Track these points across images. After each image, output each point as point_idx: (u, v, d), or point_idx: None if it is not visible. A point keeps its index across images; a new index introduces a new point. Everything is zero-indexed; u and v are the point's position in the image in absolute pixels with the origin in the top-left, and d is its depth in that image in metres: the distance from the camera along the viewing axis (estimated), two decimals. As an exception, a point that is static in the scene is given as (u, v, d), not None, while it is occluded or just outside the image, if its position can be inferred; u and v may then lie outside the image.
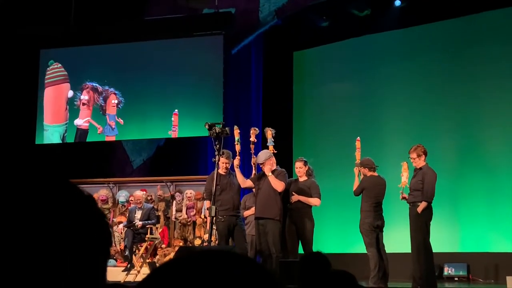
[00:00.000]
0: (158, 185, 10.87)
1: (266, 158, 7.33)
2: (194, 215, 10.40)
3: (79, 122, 11.65)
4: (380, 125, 11.02)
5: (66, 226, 0.74)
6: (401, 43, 11.09)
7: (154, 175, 11.38)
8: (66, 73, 11.85)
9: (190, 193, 10.47)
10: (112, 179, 11.38)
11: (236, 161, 7.51)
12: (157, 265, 8.84)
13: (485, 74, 10.19)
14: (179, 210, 10.53)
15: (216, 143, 6.93)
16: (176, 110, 11.12)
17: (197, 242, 10.11)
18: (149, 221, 9.48)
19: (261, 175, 7.46)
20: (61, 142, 11.68)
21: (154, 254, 9.94)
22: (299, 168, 7.73)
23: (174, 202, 10.60)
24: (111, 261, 9.68)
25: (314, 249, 7.23)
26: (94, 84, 11.68)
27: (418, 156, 7.30)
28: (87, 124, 11.61)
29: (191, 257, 0.72)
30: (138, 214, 9.51)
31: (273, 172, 7.32)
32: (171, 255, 9.64)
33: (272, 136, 7.90)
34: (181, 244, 10.12)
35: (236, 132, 7.77)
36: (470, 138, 10.24)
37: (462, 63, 10.48)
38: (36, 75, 11.89)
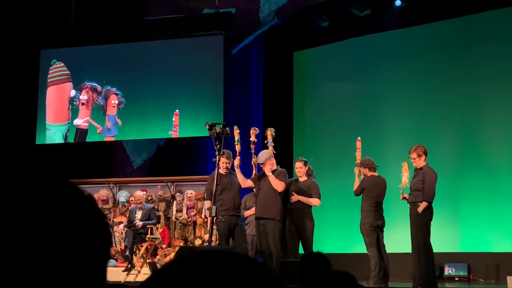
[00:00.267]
0: (159, 185, 10.87)
1: (266, 158, 7.34)
2: (195, 215, 10.41)
3: (79, 122, 11.66)
4: (380, 125, 11.02)
5: (66, 226, 0.74)
6: (401, 43, 11.10)
7: (155, 175, 11.39)
8: (68, 72, 11.85)
9: (191, 193, 10.47)
10: (113, 179, 11.38)
11: (237, 161, 7.51)
12: (158, 265, 8.88)
13: (485, 74, 10.19)
14: (179, 210, 10.53)
15: (217, 143, 6.94)
16: (177, 110, 11.12)
17: (198, 242, 10.11)
18: (150, 221, 9.48)
19: (262, 175, 7.46)
20: (63, 141, 11.68)
21: (154, 254, 9.94)
22: (299, 168, 7.73)
23: (175, 202, 10.61)
24: (112, 261, 9.69)
25: (314, 249, 7.24)
26: (93, 84, 11.69)
27: (419, 156, 7.30)
28: (87, 124, 11.62)
29: (192, 257, 0.73)
30: (139, 214, 9.51)
31: (273, 172, 7.32)
32: (172, 255, 9.64)
33: (272, 136, 7.90)
34: (181, 244, 10.12)
35: (236, 132, 7.78)
36: (470, 138, 10.24)
37: (462, 63, 10.49)
38: (37, 75, 11.90)
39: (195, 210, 10.42)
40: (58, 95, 11.87)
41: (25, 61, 11.85)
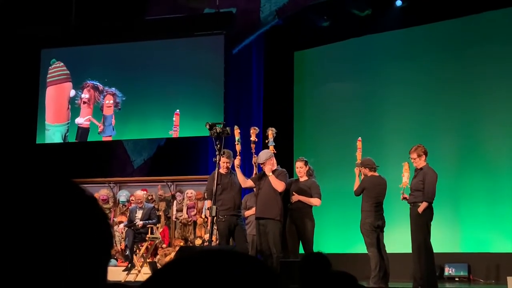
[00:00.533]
0: (159, 185, 10.87)
1: (266, 158, 7.33)
2: (195, 215, 10.41)
3: (80, 120, 11.65)
4: (380, 125, 11.02)
5: (67, 226, 0.74)
6: (402, 43, 11.09)
7: (155, 174, 11.39)
8: (68, 72, 11.84)
9: (191, 193, 10.47)
10: (113, 178, 11.38)
11: (237, 161, 7.51)
12: (158, 265, 8.88)
13: (485, 74, 10.19)
14: (179, 210, 10.53)
15: (217, 143, 6.94)
16: (178, 110, 11.11)
17: (198, 242, 10.11)
18: (150, 221, 9.48)
19: (262, 175, 7.46)
20: (62, 141, 11.68)
21: (154, 254, 9.94)
22: (300, 168, 7.73)
23: (175, 201, 10.61)
24: (112, 261, 9.69)
25: (315, 249, 7.24)
26: (95, 83, 11.68)
27: (419, 156, 7.30)
28: (88, 123, 11.61)
29: (192, 257, 0.73)
30: (139, 214, 9.51)
31: (273, 172, 7.32)
32: (172, 255, 9.64)
33: (273, 136, 7.90)
34: (181, 244, 10.12)
35: (237, 132, 7.78)
36: (470, 138, 10.24)
37: (462, 63, 10.49)
38: (37, 75, 11.89)
39: (195, 210, 10.42)
40: (57, 95, 11.86)
41: (25, 61, 11.85)
